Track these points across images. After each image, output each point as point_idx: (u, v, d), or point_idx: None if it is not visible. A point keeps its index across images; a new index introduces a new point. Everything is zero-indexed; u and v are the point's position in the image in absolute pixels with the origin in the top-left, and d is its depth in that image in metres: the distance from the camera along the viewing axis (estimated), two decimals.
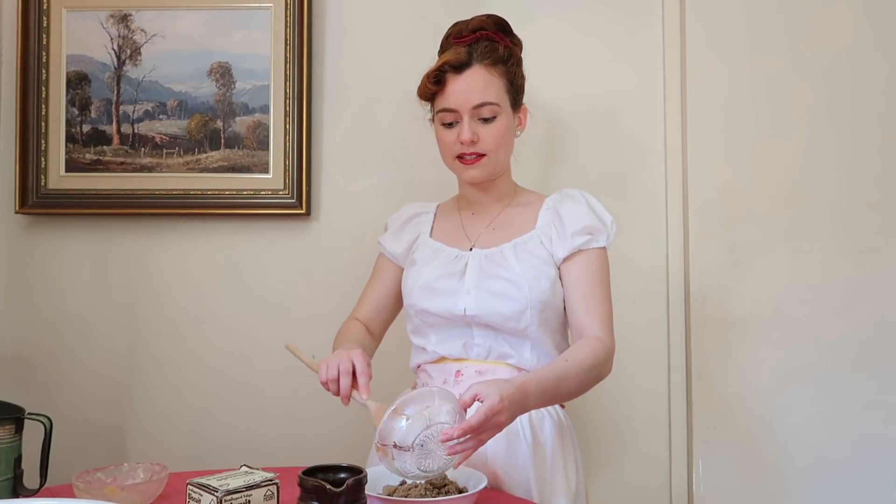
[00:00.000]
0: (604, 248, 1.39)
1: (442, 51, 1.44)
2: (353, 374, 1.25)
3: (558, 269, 1.38)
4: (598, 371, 1.30)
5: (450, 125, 1.39)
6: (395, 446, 1.10)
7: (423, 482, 1.15)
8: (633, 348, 1.87)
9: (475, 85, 1.36)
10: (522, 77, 1.45)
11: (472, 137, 1.36)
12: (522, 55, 1.47)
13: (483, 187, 1.46)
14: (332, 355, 1.30)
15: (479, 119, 1.37)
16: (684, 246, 1.89)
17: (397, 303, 1.53)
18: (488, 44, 1.39)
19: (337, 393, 1.25)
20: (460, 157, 1.39)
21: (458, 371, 1.37)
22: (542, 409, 1.35)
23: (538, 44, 1.89)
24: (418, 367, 1.45)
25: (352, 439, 1.69)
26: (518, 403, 1.15)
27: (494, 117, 1.38)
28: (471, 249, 1.42)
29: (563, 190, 1.46)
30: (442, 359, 1.40)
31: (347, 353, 1.27)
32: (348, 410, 1.65)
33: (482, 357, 1.37)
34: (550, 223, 1.40)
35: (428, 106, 1.46)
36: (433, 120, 1.45)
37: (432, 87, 1.38)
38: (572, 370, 1.26)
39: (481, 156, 1.38)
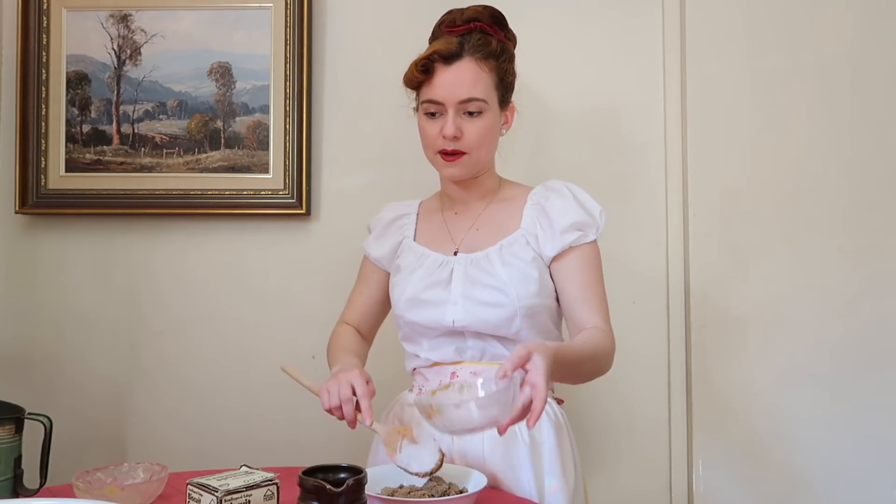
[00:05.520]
0: (594, 241, 1.36)
1: (433, 38, 1.39)
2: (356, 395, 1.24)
3: (548, 267, 1.35)
4: (605, 362, 1.30)
5: (433, 116, 1.34)
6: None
7: (423, 483, 1.15)
8: (633, 348, 1.87)
9: (464, 78, 1.32)
10: (513, 74, 1.40)
11: (456, 133, 1.32)
12: (520, 53, 1.43)
13: (465, 184, 1.42)
14: (330, 379, 1.27)
15: (465, 113, 1.33)
16: (684, 246, 1.89)
17: (385, 305, 1.51)
18: (481, 36, 1.34)
19: (342, 418, 1.24)
20: (441, 153, 1.35)
21: (453, 373, 1.35)
22: None
23: (538, 43, 1.90)
24: (414, 370, 1.43)
25: (352, 439, 1.69)
26: (550, 369, 1.13)
27: (480, 113, 1.33)
28: (455, 254, 1.39)
29: (547, 182, 1.42)
30: (436, 363, 1.38)
31: (347, 375, 1.25)
32: None
33: (476, 358, 1.35)
34: (536, 221, 1.36)
35: (411, 96, 1.41)
36: (417, 109, 1.40)
37: (419, 75, 1.33)
38: (590, 355, 1.25)
39: (463, 153, 1.34)
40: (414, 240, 1.46)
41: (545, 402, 1.06)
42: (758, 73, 1.89)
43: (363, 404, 1.22)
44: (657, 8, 1.93)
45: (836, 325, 1.85)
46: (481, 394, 1.16)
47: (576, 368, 1.25)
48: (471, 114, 1.33)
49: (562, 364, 1.16)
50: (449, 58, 1.32)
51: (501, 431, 1.10)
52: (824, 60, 1.88)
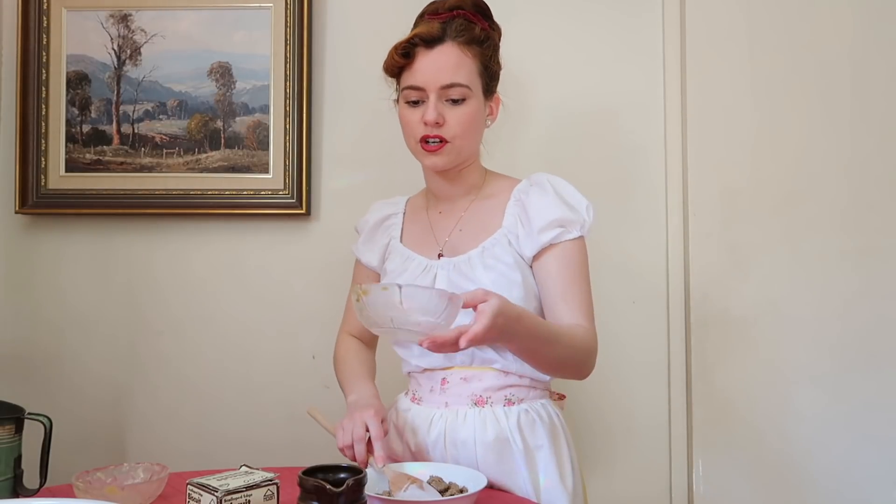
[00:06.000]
0: (580, 237, 1.30)
1: (415, 27, 1.34)
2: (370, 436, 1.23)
3: (530, 266, 1.31)
4: (582, 357, 1.26)
5: (415, 103, 1.30)
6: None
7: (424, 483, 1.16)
8: (633, 349, 1.87)
9: (446, 63, 1.27)
10: (498, 64, 1.36)
11: (437, 119, 1.27)
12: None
13: (449, 177, 1.37)
14: (347, 417, 1.26)
15: (447, 100, 1.28)
16: (684, 246, 1.89)
17: None
18: (464, 22, 1.30)
19: (354, 459, 1.22)
20: (423, 142, 1.30)
21: (443, 379, 1.33)
22: (532, 413, 1.31)
23: (538, 43, 1.90)
24: (408, 373, 1.42)
25: None
26: (505, 333, 1.10)
27: (464, 100, 1.29)
28: (439, 257, 1.36)
29: (532, 176, 1.36)
30: (426, 369, 1.36)
31: (362, 414, 1.24)
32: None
33: (466, 364, 1.31)
34: (517, 220, 1.32)
35: (392, 87, 1.38)
36: (397, 101, 1.36)
37: (400, 59, 1.29)
38: (563, 341, 1.22)
39: (445, 142, 1.29)
40: (400, 241, 1.44)
41: (486, 329, 1.05)
42: (758, 72, 1.89)
43: (375, 446, 1.20)
44: (657, 7, 1.93)
45: (836, 325, 1.85)
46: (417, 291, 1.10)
47: (544, 345, 1.20)
48: (454, 101, 1.29)
49: (526, 329, 1.13)
50: (431, 42, 1.28)
51: (421, 343, 1.06)
52: (824, 60, 1.88)
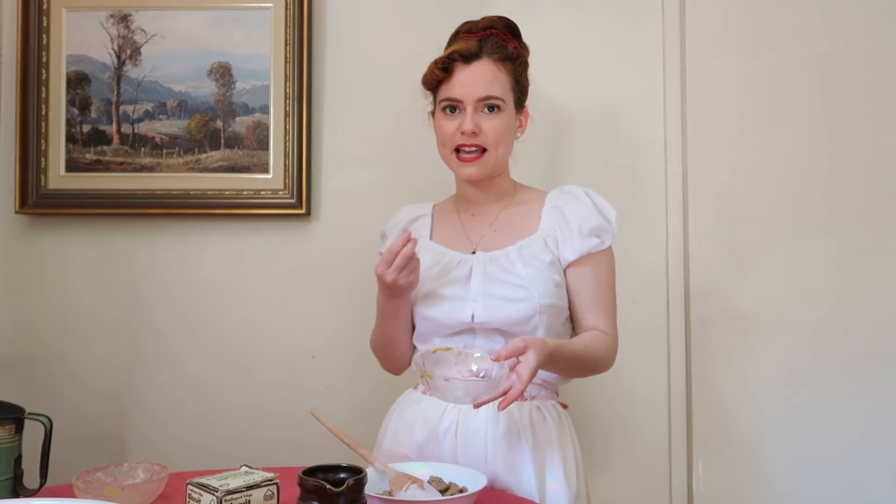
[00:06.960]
0: (610, 246, 1.40)
1: (450, 45, 1.43)
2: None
3: (564, 270, 1.38)
4: (602, 364, 1.36)
5: (453, 112, 1.38)
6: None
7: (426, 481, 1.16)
8: (634, 348, 1.86)
9: (483, 77, 1.36)
10: (527, 80, 1.45)
11: (474, 129, 1.35)
12: (528, 60, 1.47)
13: (482, 186, 1.44)
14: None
15: (483, 111, 1.37)
16: (684, 246, 1.89)
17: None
18: (498, 41, 1.39)
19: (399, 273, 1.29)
20: (458, 152, 1.38)
21: None
22: (543, 411, 1.36)
23: (539, 44, 1.89)
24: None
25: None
26: (541, 367, 1.19)
27: (499, 110, 1.37)
28: (473, 252, 1.40)
29: (563, 186, 1.45)
30: None
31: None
32: (350, 410, 1.66)
33: None
34: (554, 224, 1.39)
35: (428, 100, 1.45)
36: (433, 113, 1.44)
37: (439, 73, 1.37)
38: (587, 358, 1.32)
39: (483, 151, 1.37)
40: (431, 239, 1.47)
41: (521, 394, 1.15)
42: (757, 72, 1.89)
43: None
44: (657, 8, 1.93)
45: (836, 324, 1.85)
46: (473, 367, 1.25)
47: (571, 367, 1.33)
48: (490, 109, 1.37)
49: (557, 361, 1.24)
50: (468, 57, 1.37)
51: (476, 406, 1.18)
52: (824, 60, 1.88)
